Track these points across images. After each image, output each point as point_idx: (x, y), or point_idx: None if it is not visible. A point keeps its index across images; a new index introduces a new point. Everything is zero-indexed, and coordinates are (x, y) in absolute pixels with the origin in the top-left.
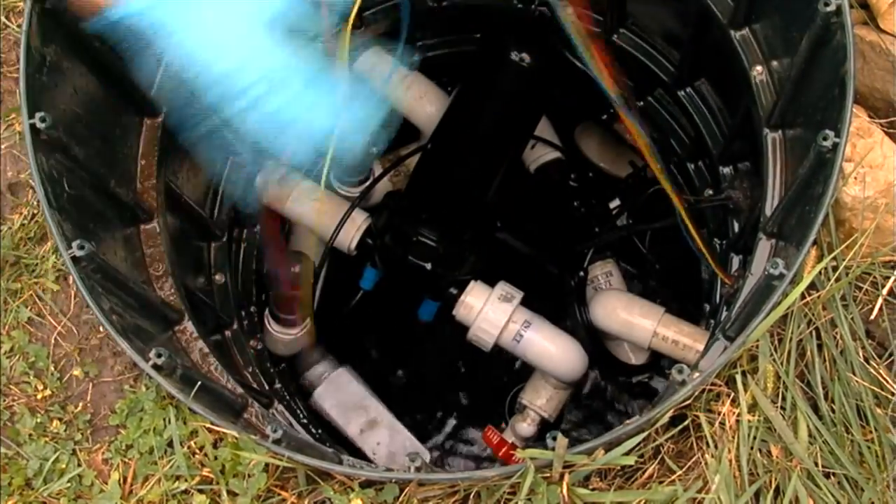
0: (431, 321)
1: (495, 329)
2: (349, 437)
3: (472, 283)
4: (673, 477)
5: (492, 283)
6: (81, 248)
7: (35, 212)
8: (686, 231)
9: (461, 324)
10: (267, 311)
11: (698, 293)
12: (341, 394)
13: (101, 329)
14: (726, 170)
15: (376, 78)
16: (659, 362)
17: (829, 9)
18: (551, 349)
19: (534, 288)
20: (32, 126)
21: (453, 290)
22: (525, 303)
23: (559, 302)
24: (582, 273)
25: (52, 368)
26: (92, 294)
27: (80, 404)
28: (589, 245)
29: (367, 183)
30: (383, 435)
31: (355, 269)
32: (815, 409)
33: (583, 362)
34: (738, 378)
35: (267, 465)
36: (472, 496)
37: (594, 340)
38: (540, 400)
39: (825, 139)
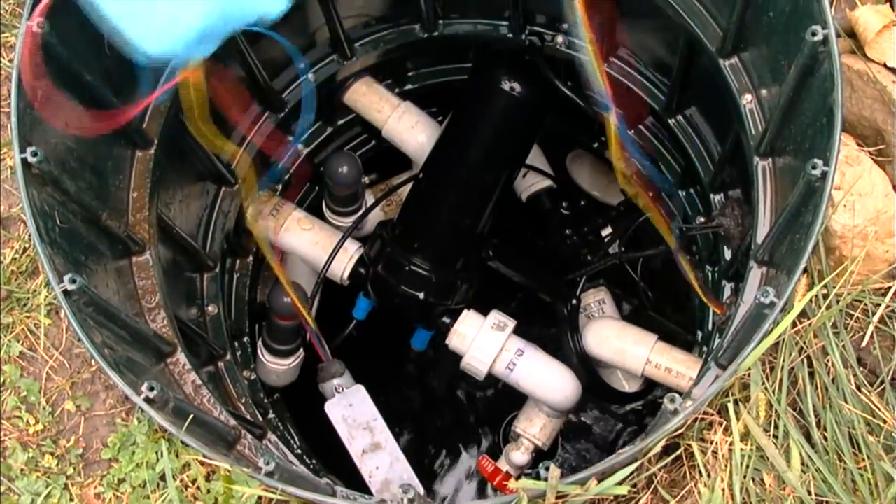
0: (424, 350)
1: (488, 358)
2: (350, 455)
3: (464, 312)
4: None
5: (484, 311)
6: (73, 281)
7: (27, 246)
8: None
9: (454, 353)
10: (260, 342)
11: (691, 320)
12: (352, 410)
13: (93, 362)
14: (717, 197)
15: (367, 107)
16: (652, 390)
17: (816, 38)
18: (544, 378)
19: (527, 316)
20: (24, 160)
21: (446, 320)
22: (518, 331)
23: (552, 330)
24: (574, 301)
25: (44, 402)
26: (84, 328)
27: (72, 438)
28: (581, 273)
29: (360, 212)
30: (384, 461)
31: (348, 299)
32: (808, 437)
33: (576, 391)
34: (731, 406)
35: (260, 497)
36: None
37: (587, 368)
38: (533, 428)
39: (814, 168)
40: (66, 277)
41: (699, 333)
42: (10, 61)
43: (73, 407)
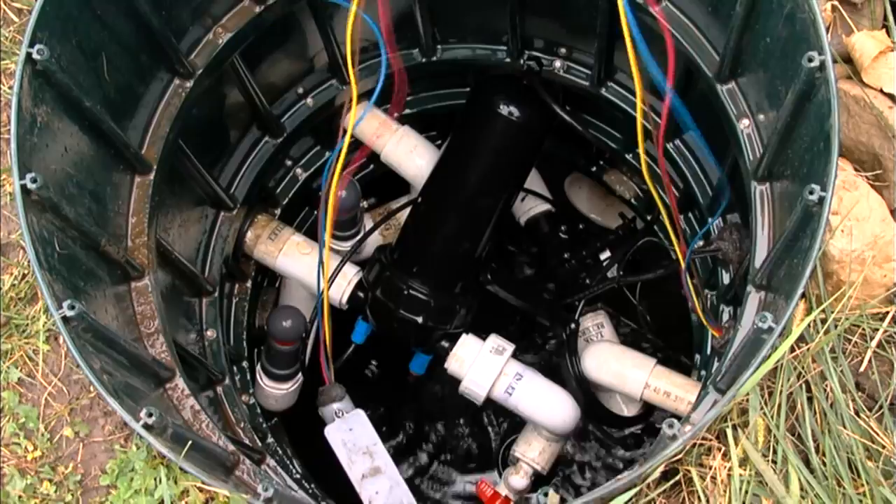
0: (423, 374)
1: (487, 382)
2: (350, 480)
3: (463, 336)
4: None
5: (483, 335)
6: (72, 307)
7: (26, 272)
8: (687, 288)
9: (453, 377)
10: (259, 366)
11: (689, 344)
12: (352, 434)
13: (91, 389)
14: (716, 221)
15: (366, 132)
16: (651, 414)
17: (812, 64)
18: (543, 402)
19: (525, 340)
20: (23, 187)
21: (445, 344)
22: (517, 355)
23: (551, 354)
24: (573, 325)
25: (43, 429)
26: (82, 354)
27: (71, 465)
28: (580, 297)
29: (359, 237)
30: (384, 485)
31: (347, 323)
32: (807, 462)
33: (575, 414)
34: (729, 432)
35: None
36: None
37: (586, 392)
38: (532, 452)
39: (811, 193)
40: (65, 304)
41: (697, 357)
42: (10, 88)
43: (72, 433)
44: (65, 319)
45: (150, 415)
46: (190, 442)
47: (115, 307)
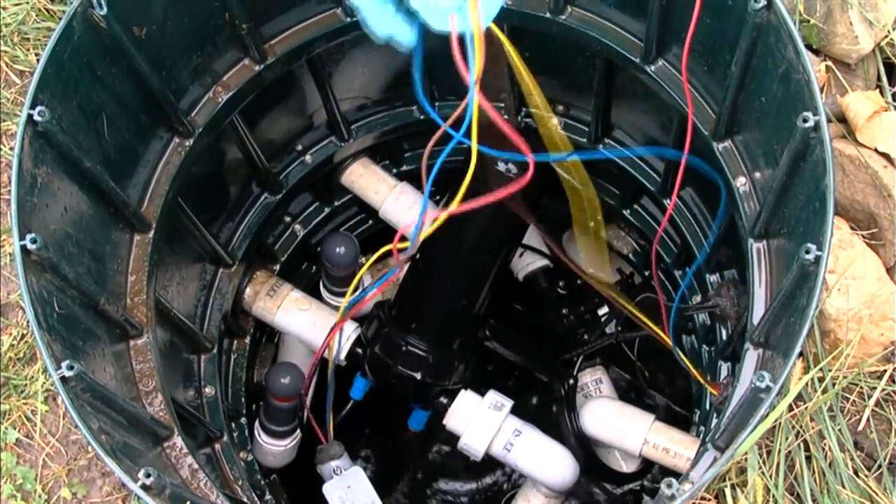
0: (422, 430)
1: (486, 438)
2: None
3: (461, 392)
4: None
5: (482, 391)
6: (70, 368)
7: (25, 332)
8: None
9: (452, 433)
10: (257, 423)
11: (688, 400)
12: (351, 492)
13: (89, 449)
14: (713, 277)
15: (364, 188)
16: (650, 469)
17: (807, 125)
18: (542, 458)
19: (524, 396)
20: (23, 248)
21: (443, 400)
22: (515, 411)
23: (549, 410)
24: (571, 380)
25: (41, 490)
26: (81, 414)
27: None
28: (578, 352)
29: (356, 293)
30: None
31: (345, 379)
32: None
33: (574, 471)
34: (728, 491)
35: None
36: None
37: (585, 448)
38: None
39: (807, 252)
40: (64, 364)
41: (696, 412)
42: (11, 149)
43: (70, 494)
44: (63, 380)
45: (148, 475)
46: (188, 502)
47: (114, 366)
